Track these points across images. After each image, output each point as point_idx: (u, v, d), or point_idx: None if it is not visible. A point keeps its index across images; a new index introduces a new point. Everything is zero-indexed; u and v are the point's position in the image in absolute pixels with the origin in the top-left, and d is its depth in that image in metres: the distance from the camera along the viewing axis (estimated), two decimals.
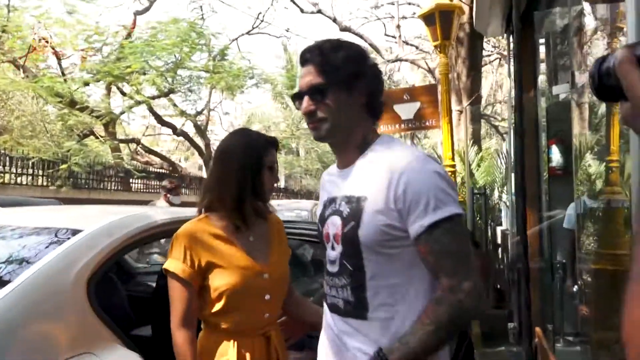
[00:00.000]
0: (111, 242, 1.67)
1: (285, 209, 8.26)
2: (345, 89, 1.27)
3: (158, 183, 15.31)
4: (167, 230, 1.85)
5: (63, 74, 13.38)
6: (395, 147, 1.29)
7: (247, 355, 1.61)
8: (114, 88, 14.80)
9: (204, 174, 22.90)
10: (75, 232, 1.66)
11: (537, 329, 2.68)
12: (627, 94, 0.67)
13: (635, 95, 0.66)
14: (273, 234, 1.80)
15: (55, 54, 13.06)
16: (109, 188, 12.94)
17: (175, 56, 14.00)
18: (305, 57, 1.33)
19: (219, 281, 1.60)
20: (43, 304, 1.42)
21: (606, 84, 0.74)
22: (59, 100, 12.26)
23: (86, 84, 13.51)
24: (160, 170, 17.52)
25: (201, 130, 18.78)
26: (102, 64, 12.70)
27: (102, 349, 1.47)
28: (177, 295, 1.58)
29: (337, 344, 1.29)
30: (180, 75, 14.90)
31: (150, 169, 16.78)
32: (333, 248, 1.32)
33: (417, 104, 4.94)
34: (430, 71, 14.55)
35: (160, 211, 2.18)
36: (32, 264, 1.48)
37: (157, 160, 18.79)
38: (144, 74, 13.19)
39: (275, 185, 1.79)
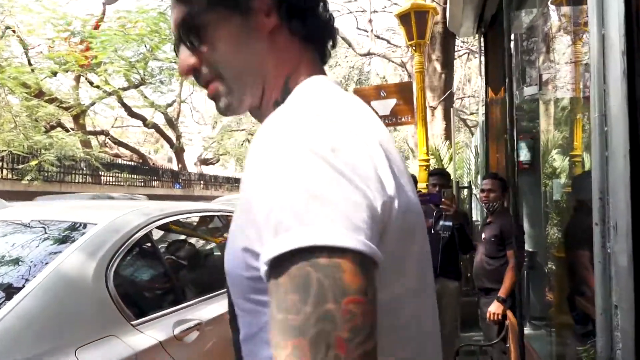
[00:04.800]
0: (124, 234, 1.77)
1: None
2: (233, 8, 0.69)
3: (130, 176, 15.15)
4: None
5: (30, 64, 13.07)
6: (291, 101, 0.67)
7: None
8: (82, 79, 14.54)
9: (174, 165, 22.67)
10: (87, 225, 1.77)
11: (509, 312, 2.92)
12: None
13: None
14: None
15: (22, 42, 12.73)
16: (79, 181, 12.76)
17: (145, 47, 13.85)
18: None
19: None
20: (68, 294, 1.53)
21: None
22: (26, 91, 11.99)
23: (54, 74, 13.23)
24: (131, 163, 17.33)
25: (172, 122, 18.63)
26: (69, 53, 12.45)
27: (122, 332, 1.60)
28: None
29: None
30: (151, 66, 14.77)
31: (120, 161, 16.58)
32: None
33: (393, 101, 5.13)
34: (402, 65, 14.83)
35: (159, 205, 2.28)
36: (57, 255, 1.58)
37: (126, 152, 18.58)
38: (112, 63, 12.98)
39: None
